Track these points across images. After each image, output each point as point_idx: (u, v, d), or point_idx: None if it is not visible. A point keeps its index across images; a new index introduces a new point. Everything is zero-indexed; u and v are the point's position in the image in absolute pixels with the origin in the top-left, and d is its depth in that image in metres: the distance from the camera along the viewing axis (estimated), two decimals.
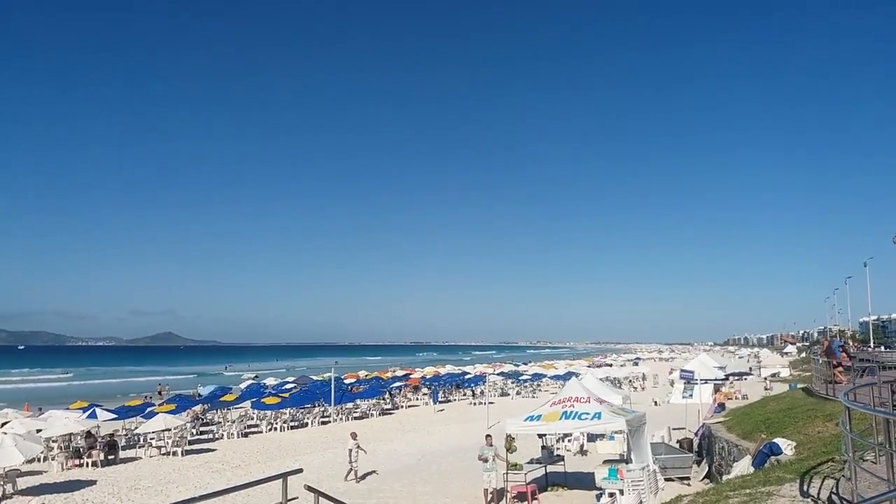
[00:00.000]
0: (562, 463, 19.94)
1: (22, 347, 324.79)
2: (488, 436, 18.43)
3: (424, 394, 52.59)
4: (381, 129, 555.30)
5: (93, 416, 31.27)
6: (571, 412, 16.48)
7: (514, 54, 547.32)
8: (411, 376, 63.67)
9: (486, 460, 17.23)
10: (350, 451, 21.53)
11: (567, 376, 49.17)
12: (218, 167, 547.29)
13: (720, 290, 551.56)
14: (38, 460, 26.09)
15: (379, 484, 20.95)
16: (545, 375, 66.56)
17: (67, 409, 36.12)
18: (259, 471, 24.24)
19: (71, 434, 28.72)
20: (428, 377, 63.80)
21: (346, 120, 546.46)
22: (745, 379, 53.75)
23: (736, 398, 38.28)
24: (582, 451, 24.43)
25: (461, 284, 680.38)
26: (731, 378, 47.42)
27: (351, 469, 21.44)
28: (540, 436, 19.51)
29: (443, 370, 75.64)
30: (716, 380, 39.42)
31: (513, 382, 62.02)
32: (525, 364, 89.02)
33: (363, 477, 21.67)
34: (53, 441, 28.19)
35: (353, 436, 22.11)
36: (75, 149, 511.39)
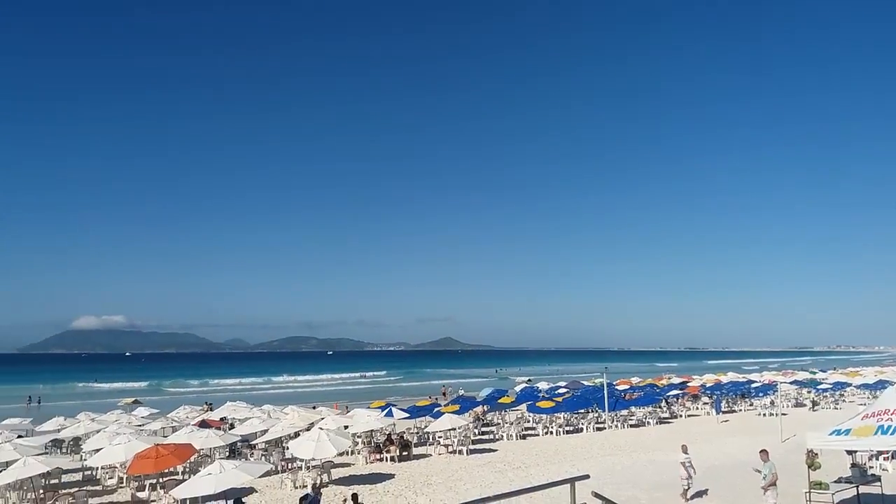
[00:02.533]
0: (878, 483, 17.31)
1: (330, 353, 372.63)
2: (763, 451, 16.69)
3: (705, 403, 49.38)
4: None
5: (389, 414, 34.55)
6: (890, 427, 14.21)
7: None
8: (689, 384, 60.15)
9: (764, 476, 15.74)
10: (682, 464, 19.50)
11: (879, 385, 42.54)
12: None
13: None
14: (347, 453, 29.44)
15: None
16: (849, 384, 58.56)
17: (368, 407, 40.34)
18: (539, 473, 24.70)
19: (372, 430, 32.12)
20: (708, 385, 59.76)
21: None
22: None
23: None
24: None
25: (737, 285, 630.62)
26: None
27: (688, 487, 19.30)
28: (849, 452, 17.16)
29: (724, 378, 70.30)
30: None
31: (808, 392, 55.54)
32: (823, 371, 79.16)
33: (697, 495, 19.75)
34: (358, 437, 31.71)
35: (684, 449, 20.11)
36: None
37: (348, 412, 38.46)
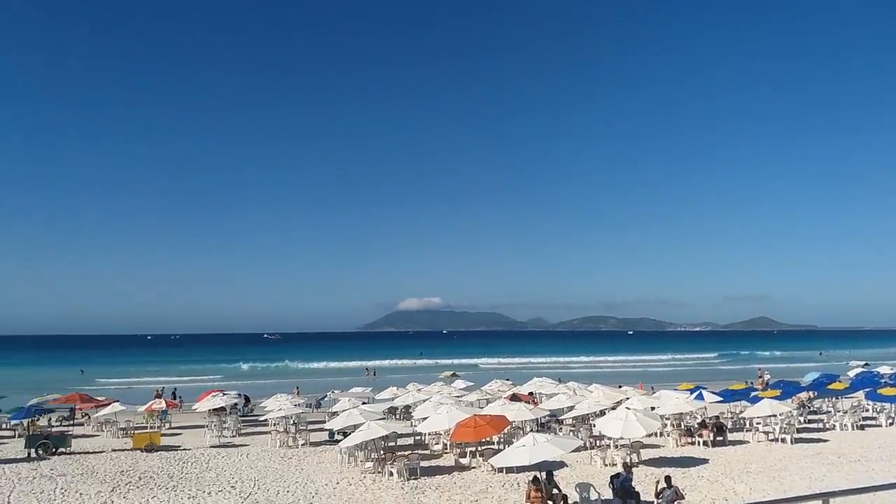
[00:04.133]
0: None
1: (630, 333, 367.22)
2: None
3: None
4: None
5: (699, 397, 32.88)
6: None
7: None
8: None
9: None
10: None
11: None
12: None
13: None
14: (655, 435, 28.73)
15: None
16: None
17: (675, 389, 38.87)
18: (885, 470, 21.57)
19: (681, 413, 30.90)
20: None
21: None
22: None
23: None
24: None
25: None
26: None
27: None
28: None
29: None
30: None
31: None
32: None
33: None
34: (666, 418, 30.76)
35: None
36: None
37: (654, 393, 37.50)
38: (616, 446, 25.00)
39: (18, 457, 28.31)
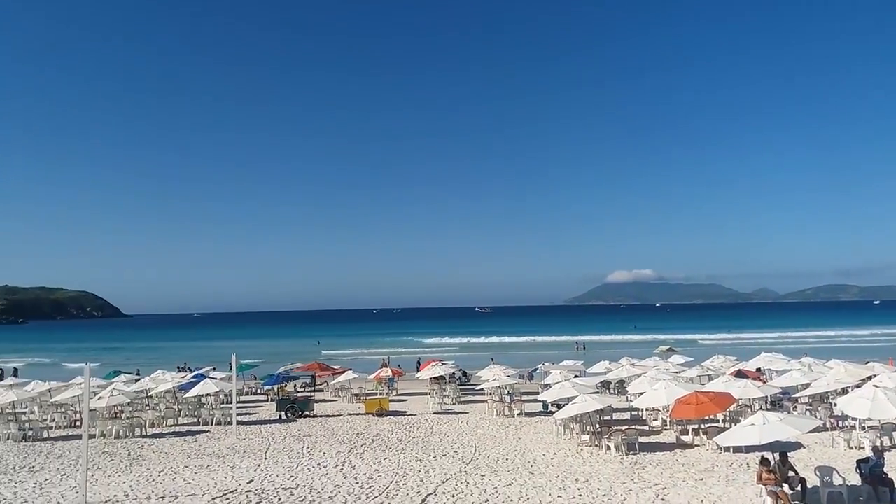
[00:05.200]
0: None
1: (877, 303, 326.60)
2: None
3: None
4: None
5: None
6: None
7: None
8: None
9: None
10: None
11: None
12: None
13: None
14: None
15: None
16: None
17: None
18: None
19: None
20: None
21: None
22: None
23: None
24: None
25: None
26: None
27: None
28: None
29: None
30: None
31: None
32: None
33: None
34: None
35: None
36: None
37: None
38: (863, 428, 22.43)
39: (271, 418, 32.24)
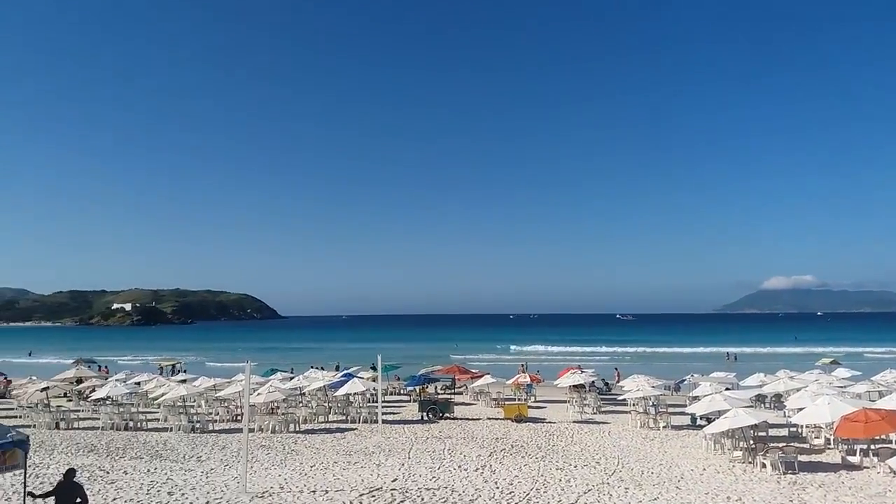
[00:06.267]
0: None
1: None
2: None
3: None
4: None
5: None
6: None
7: None
8: None
9: None
10: None
11: None
12: None
13: None
14: None
15: None
16: None
17: None
18: None
19: None
20: None
21: None
22: None
23: None
24: None
25: None
26: None
27: None
28: None
29: None
30: None
31: None
32: None
33: None
34: None
35: None
36: None
37: None
38: None
39: (414, 418, 33.17)
